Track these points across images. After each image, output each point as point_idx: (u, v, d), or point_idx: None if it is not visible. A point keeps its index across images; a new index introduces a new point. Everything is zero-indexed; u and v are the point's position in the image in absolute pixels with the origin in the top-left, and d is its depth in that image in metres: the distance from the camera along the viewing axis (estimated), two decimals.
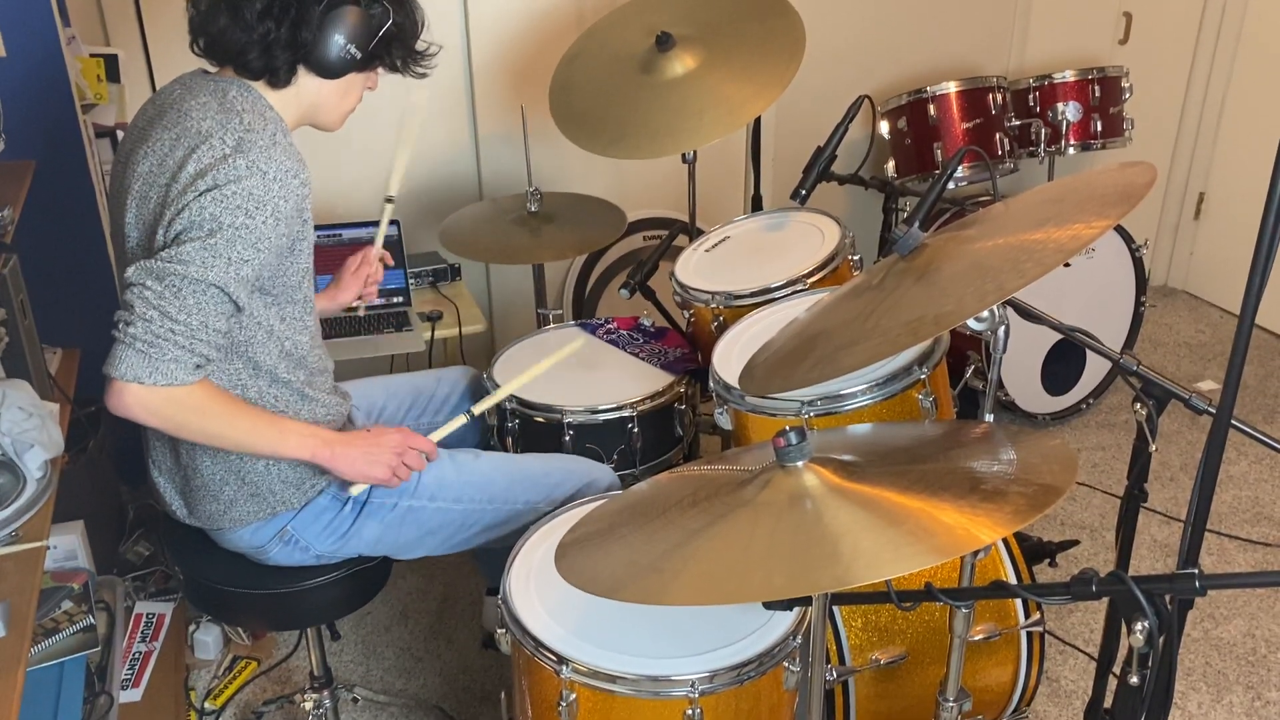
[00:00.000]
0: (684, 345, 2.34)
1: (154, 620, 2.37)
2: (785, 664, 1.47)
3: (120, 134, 2.61)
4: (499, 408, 2.13)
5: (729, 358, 2.05)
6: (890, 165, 3.20)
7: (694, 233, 2.73)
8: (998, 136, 3.08)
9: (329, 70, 1.58)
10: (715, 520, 1.23)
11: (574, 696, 1.45)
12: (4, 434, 1.64)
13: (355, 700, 2.28)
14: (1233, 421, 1.30)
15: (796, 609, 1.50)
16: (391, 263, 2.05)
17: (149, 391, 1.45)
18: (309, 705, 2.03)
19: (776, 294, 2.21)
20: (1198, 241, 3.92)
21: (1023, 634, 1.87)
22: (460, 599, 2.60)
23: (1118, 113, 3.14)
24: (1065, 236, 1.27)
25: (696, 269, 2.41)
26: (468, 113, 3.09)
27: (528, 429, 2.12)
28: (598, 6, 3.04)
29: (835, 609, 1.79)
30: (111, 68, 2.63)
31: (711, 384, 2.01)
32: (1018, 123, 3.10)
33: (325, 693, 2.04)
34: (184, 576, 1.81)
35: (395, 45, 1.63)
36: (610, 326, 2.43)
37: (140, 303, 1.44)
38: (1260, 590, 2.51)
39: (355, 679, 2.38)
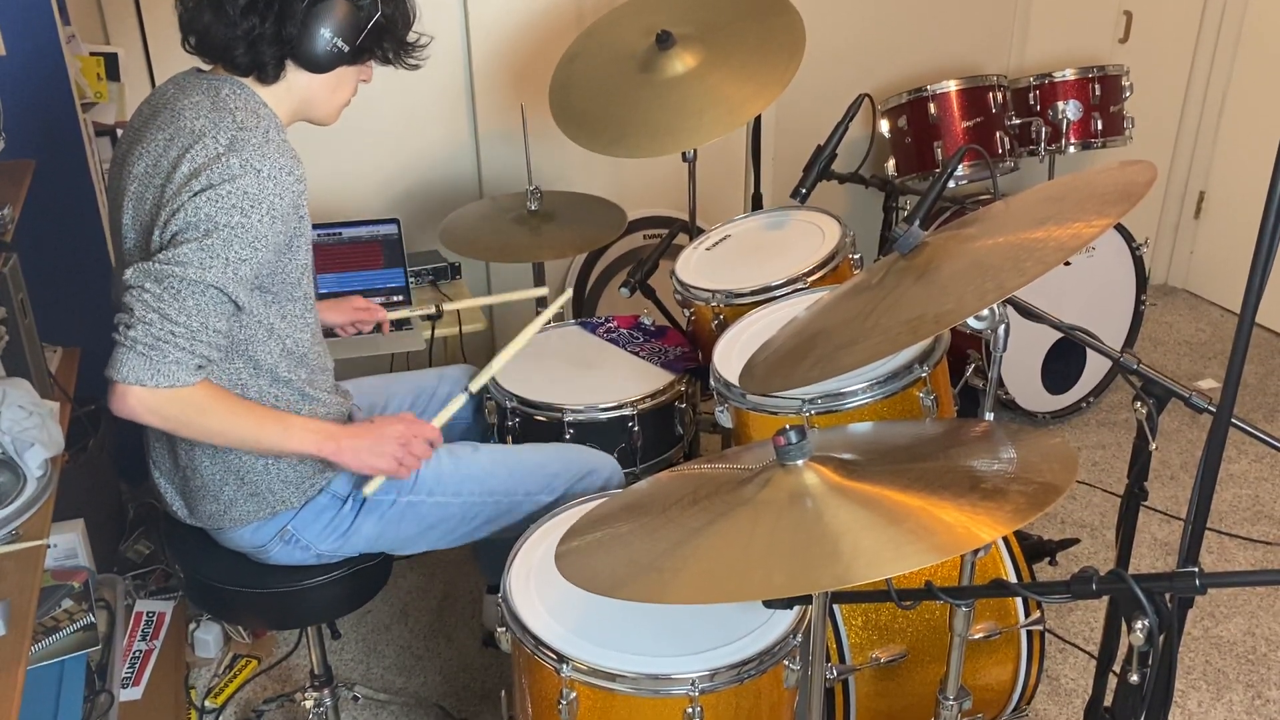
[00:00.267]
0: (684, 344, 2.34)
1: (154, 619, 2.37)
2: (785, 662, 1.47)
3: (120, 132, 2.61)
4: (499, 407, 2.13)
5: (729, 356, 2.05)
6: (890, 164, 3.20)
7: (694, 231, 2.73)
8: (998, 135, 3.08)
9: (317, 65, 1.57)
10: (715, 519, 1.23)
11: (574, 695, 1.45)
12: (4, 432, 1.64)
13: (355, 699, 2.28)
14: (1233, 420, 1.30)
15: (797, 607, 1.50)
16: (387, 332, 2.16)
17: (151, 394, 1.45)
18: (309, 704, 2.03)
19: (777, 292, 2.21)
20: (1198, 240, 3.92)
21: (1023, 632, 1.87)
22: (460, 597, 2.60)
23: (1118, 111, 3.14)
24: (1065, 235, 1.27)
25: (697, 267, 2.41)
26: (468, 111, 3.09)
27: (528, 427, 2.12)
28: (598, 6, 3.04)
29: (835, 607, 1.79)
30: (111, 66, 2.63)
31: (712, 382, 2.01)
32: (1018, 121, 3.09)
33: (325, 691, 2.04)
34: (184, 575, 1.81)
35: (385, 38, 1.62)
36: (610, 325, 2.43)
37: (140, 305, 1.44)
38: (1260, 589, 2.51)
39: (356, 677, 2.38)
